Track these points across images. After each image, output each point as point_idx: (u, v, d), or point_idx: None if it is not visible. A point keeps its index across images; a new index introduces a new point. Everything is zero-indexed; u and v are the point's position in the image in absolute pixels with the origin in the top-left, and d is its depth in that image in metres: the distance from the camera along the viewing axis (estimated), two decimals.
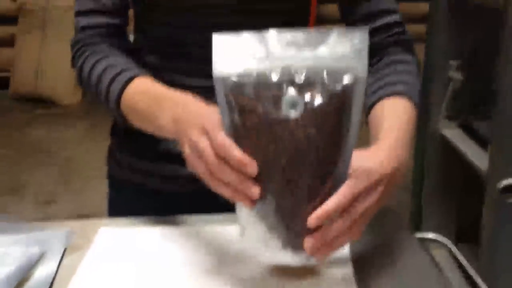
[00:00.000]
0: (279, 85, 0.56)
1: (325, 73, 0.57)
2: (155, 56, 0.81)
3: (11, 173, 3.03)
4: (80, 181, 2.95)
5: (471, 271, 0.67)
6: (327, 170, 0.57)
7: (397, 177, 0.60)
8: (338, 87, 0.57)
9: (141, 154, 0.84)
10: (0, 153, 3.24)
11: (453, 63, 1.40)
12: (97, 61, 0.76)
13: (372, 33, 0.78)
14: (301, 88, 0.57)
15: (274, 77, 0.57)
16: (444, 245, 0.83)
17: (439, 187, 1.42)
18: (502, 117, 1.11)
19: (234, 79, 0.57)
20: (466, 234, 1.45)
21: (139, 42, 0.85)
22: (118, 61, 0.76)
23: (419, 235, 0.78)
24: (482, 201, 1.15)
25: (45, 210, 2.65)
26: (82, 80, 0.78)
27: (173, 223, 0.76)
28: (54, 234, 0.75)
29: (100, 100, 0.75)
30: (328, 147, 0.57)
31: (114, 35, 0.82)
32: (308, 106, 0.56)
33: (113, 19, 0.82)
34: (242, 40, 0.58)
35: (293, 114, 0.56)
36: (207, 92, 0.67)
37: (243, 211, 0.60)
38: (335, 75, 0.57)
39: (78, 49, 0.81)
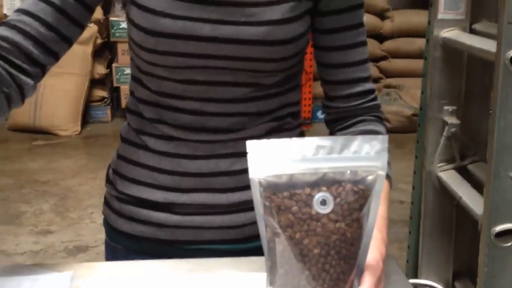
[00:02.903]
0: (310, 186, 0.64)
1: (349, 172, 0.65)
2: (151, 108, 0.85)
3: (9, 203, 3.07)
4: (77, 211, 3.00)
5: None
6: (354, 258, 0.65)
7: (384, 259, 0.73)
8: (362, 185, 0.65)
9: (134, 202, 0.88)
10: None
11: (448, 108, 1.48)
12: None
13: (350, 98, 0.87)
14: (330, 187, 0.64)
15: (306, 178, 0.64)
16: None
17: (436, 229, 1.49)
18: (495, 161, 1.18)
19: (268, 180, 0.64)
20: (463, 275, 1.52)
21: (135, 92, 0.88)
22: None
23: (413, 281, 0.85)
24: (477, 243, 1.22)
25: (42, 240, 2.70)
26: None
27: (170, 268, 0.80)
28: (58, 276, 0.78)
29: None
30: (354, 237, 0.65)
31: (7, 58, 0.76)
32: (337, 203, 0.64)
33: (25, 42, 0.77)
34: (275, 145, 0.65)
35: (324, 210, 0.64)
36: (202, 143, 0.78)
37: None
38: (359, 174, 0.65)
39: None
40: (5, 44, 0.76)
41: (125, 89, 4.35)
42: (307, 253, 0.64)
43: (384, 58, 4.64)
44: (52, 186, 3.29)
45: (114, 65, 4.35)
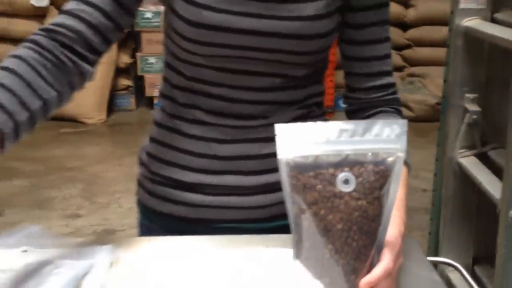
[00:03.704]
0: (334, 166, 0.69)
1: (371, 154, 0.69)
2: (184, 94, 0.90)
3: (39, 188, 3.18)
4: (104, 196, 3.09)
5: None
6: (374, 233, 0.70)
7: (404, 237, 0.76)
8: (382, 166, 0.69)
9: (166, 183, 0.94)
10: (28, 169, 3.39)
11: (469, 96, 1.51)
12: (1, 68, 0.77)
13: (372, 90, 0.91)
14: (353, 167, 0.69)
15: (330, 159, 0.69)
16: (456, 268, 0.94)
17: (456, 213, 1.52)
18: None
19: (295, 160, 0.69)
20: (482, 260, 1.55)
21: (169, 79, 0.93)
22: (7, 83, 0.74)
23: (431, 258, 0.89)
24: (497, 228, 1.25)
25: (72, 223, 2.80)
26: None
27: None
28: (101, 249, 0.84)
29: None
30: (374, 214, 0.70)
31: (72, 49, 0.81)
32: (359, 182, 0.68)
33: (86, 29, 0.81)
34: (302, 128, 0.70)
35: (347, 189, 0.68)
36: (232, 128, 0.84)
37: (298, 268, 0.72)
38: (380, 156, 0.69)
39: (25, 40, 0.81)
40: (70, 34, 0.81)
41: (149, 78, 4.43)
42: (330, 228, 0.69)
43: (408, 46, 4.62)
44: (79, 172, 3.39)
45: (138, 54, 4.43)
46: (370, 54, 0.90)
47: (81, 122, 4.15)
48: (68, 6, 0.83)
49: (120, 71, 4.40)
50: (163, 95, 0.95)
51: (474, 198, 1.53)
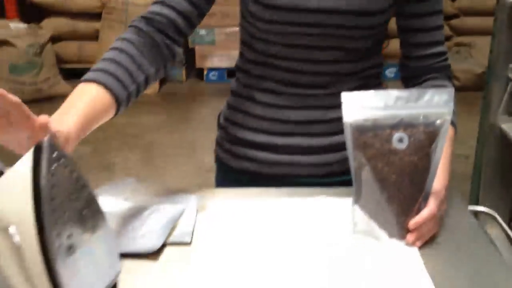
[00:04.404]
0: (391, 127, 0.83)
1: (422, 117, 0.83)
2: (259, 67, 1.04)
3: (102, 153, 3.39)
4: (162, 161, 3.29)
5: None
6: (422, 185, 0.84)
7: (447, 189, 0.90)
8: (432, 127, 0.83)
9: (242, 143, 1.08)
10: (90, 136, 3.61)
11: None
12: (112, 48, 0.92)
13: (425, 58, 1.03)
14: (406, 128, 0.83)
15: (387, 122, 0.83)
16: (493, 217, 1.05)
17: (496, 174, 1.63)
18: None
19: (358, 123, 0.83)
20: None
21: (245, 54, 1.07)
22: (117, 58, 0.88)
23: (471, 208, 1.01)
24: None
25: None
26: None
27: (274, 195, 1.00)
28: (191, 197, 0.97)
29: None
30: (423, 168, 0.84)
31: (165, 32, 0.94)
32: (411, 141, 0.82)
33: (176, 17, 0.95)
34: (364, 96, 0.84)
35: (401, 146, 0.83)
36: (300, 96, 0.98)
37: (357, 212, 0.87)
38: (430, 119, 0.83)
39: (129, 26, 0.96)
40: (164, 21, 0.96)
41: (199, 49, 4.57)
42: (386, 179, 0.84)
43: (455, 16, 4.60)
44: (138, 138, 3.60)
45: None
46: (425, 25, 1.01)
47: None
48: None
49: None
50: (238, 68, 1.10)
51: None
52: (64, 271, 0.62)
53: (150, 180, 1.10)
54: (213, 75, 4.61)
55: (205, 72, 4.62)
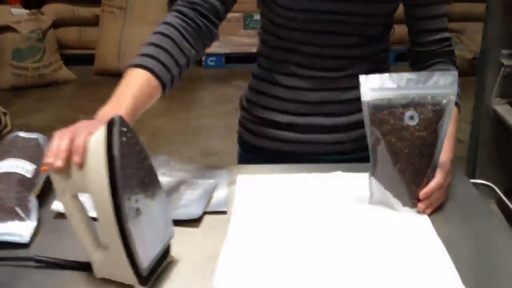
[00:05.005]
0: (403, 106, 0.94)
1: (430, 97, 0.94)
2: (280, 52, 1.14)
3: None
4: (165, 146, 3.39)
5: None
6: (431, 157, 0.96)
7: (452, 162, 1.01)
8: (438, 106, 0.94)
9: (264, 123, 1.19)
10: None
11: (505, 51, 1.72)
12: (155, 32, 1.00)
13: (431, 44, 1.15)
14: (416, 107, 0.94)
15: (400, 101, 0.94)
16: (491, 189, 1.14)
17: (491, 153, 1.76)
18: None
19: (374, 102, 0.95)
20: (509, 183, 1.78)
21: (266, 40, 1.17)
22: (160, 44, 0.97)
23: (473, 181, 1.12)
24: None
25: None
26: None
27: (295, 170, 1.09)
28: (222, 172, 1.07)
29: None
30: (432, 142, 0.95)
31: (205, 14, 1.03)
32: (421, 118, 0.94)
33: (216, 2, 1.03)
34: (379, 78, 0.95)
35: (412, 123, 0.94)
36: (319, 79, 1.09)
37: (373, 183, 0.98)
38: (437, 98, 0.94)
39: (171, 10, 1.04)
40: (205, 5, 1.04)
41: None
42: (399, 152, 0.95)
43: (446, 2, 4.69)
44: (141, 124, 3.67)
45: None
46: (431, 13, 1.12)
47: None
48: None
49: None
50: (260, 54, 1.21)
51: (507, 140, 1.76)
52: (133, 230, 0.73)
53: (181, 158, 1.21)
54: (211, 61, 4.70)
55: (203, 58, 4.70)
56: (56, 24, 4.51)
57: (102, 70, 4.47)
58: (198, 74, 4.68)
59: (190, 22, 1.03)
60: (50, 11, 4.51)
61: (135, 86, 0.93)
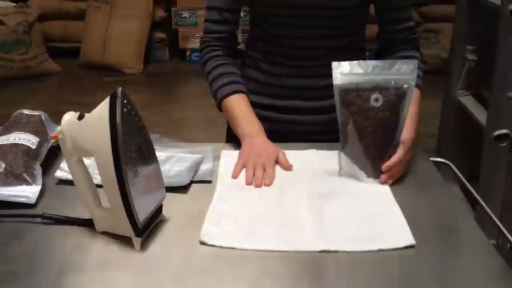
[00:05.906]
0: (369, 89, 1.07)
1: (393, 82, 1.07)
2: (265, 44, 1.29)
3: None
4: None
5: (469, 186, 1.15)
6: (393, 135, 1.09)
7: (414, 140, 1.13)
8: (400, 90, 1.07)
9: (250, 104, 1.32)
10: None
11: (469, 47, 1.86)
12: (215, 66, 1.27)
13: (398, 32, 1.28)
14: (381, 91, 1.07)
15: (366, 85, 1.07)
16: (449, 166, 1.25)
17: (455, 140, 1.90)
18: (497, 85, 1.56)
19: (344, 86, 1.07)
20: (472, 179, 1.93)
21: (254, 33, 1.32)
22: (228, 70, 1.26)
23: (432, 159, 1.24)
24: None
25: None
26: (204, 72, 1.31)
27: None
28: (207, 148, 1.19)
29: (211, 92, 1.28)
30: (394, 122, 1.08)
31: (229, 39, 1.31)
32: (384, 100, 1.07)
33: (230, 27, 1.29)
34: (349, 65, 1.07)
35: (376, 104, 1.07)
36: (296, 68, 1.25)
37: (343, 157, 1.11)
38: (399, 83, 1.07)
39: (205, 47, 1.31)
40: (226, 35, 1.30)
41: (182, 31, 4.75)
42: (365, 130, 1.08)
43: (424, 3, 4.85)
44: None
45: (173, 9, 4.72)
46: (397, 5, 1.26)
47: (121, 72, 4.52)
48: (217, 16, 1.28)
49: (155, 25, 4.70)
50: (248, 45, 1.35)
51: (469, 126, 1.90)
52: (132, 189, 0.84)
53: (171, 137, 1.33)
54: (195, 56, 4.80)
55: (187, 53, 4.80)
56: (42, 17, 4.57)
57: (87, 63, 4.54)
58: (182, 68, 4.77)
59: (225, 50, 1.30)
60: (36, 5, 4.57)
61: (245, 105, 1.24)
